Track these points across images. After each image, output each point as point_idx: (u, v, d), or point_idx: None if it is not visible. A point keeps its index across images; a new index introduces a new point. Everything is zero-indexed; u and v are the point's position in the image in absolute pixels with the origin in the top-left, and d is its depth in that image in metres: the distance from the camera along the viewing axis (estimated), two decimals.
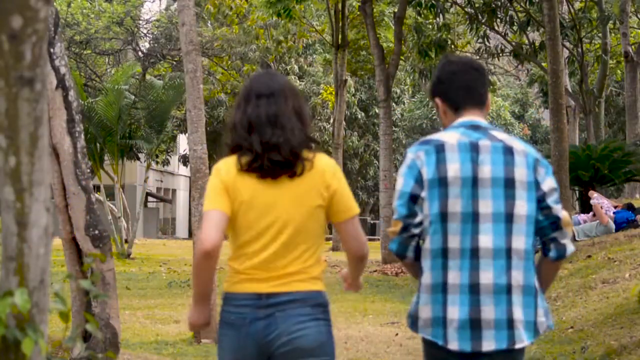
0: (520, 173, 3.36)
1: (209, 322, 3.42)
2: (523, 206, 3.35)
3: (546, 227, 3.39)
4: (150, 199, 45.72)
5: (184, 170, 50.77)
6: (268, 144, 3.28)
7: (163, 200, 49.03)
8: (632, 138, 23.06)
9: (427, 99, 42.60)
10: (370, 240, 38.42)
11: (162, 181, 50.20)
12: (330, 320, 3.41)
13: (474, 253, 3.32)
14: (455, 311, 3.31)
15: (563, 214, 3.42)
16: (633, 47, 25.03)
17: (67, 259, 6.05)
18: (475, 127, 3.42)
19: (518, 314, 3.32)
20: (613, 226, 14.31)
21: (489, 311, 3.30)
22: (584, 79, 24.91)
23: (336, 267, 18.95)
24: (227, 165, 3.35)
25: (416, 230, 3.36)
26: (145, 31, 34.87)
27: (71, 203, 5.91)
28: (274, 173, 3.29)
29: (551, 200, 3.40)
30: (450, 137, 3.39)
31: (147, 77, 27.06)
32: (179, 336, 9.26)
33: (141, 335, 9.35)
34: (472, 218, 3.33)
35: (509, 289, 3.31)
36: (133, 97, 22.02)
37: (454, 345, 3.32)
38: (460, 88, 3.47)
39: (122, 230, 22.32)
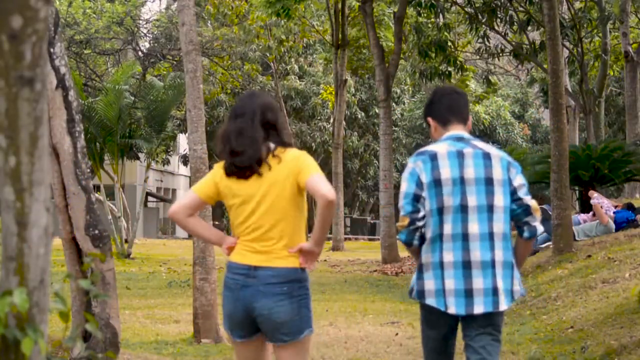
0: (497, 173, 4.29)
1: (225, 239, 4.35)
2: (500, 199, 4.27)
3: (520, 214, 4.31)
4: (150, 198, 45.72)
5: (184, 170, 50.77)
6: (234, 151, 4.20)
7: (163, 200, 49.03)
8: (632, 138, 23.05)
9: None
10: (370, 240, 38.40)
11: (162, 181, 50.20)
12: (307, 294, 4.22)
13: (465, 237, 4.22)
14: (452, 283, 4.22)
15: (532, 202, 4.33)
16: (634, 45, 25.02)
17: (67, 258, 6.04)
18: (459, 139, 4.37)
19: (500, 283, 4.23)
20: (613, 226, 14.30)
21: (478, 282, 4.21)
22: (584, 78, 24.89)
23: (336, 266, 18.96)
24: (220, 167, 4.30)
25: (420, 223, 4.26)
26: (145, 31, 34.87)
27: (71, 203, 5.91)
28: (243, 175, 4.21)
29: (521, 193, 4.31)
30: (440, 147, 4.34)
31: (148, 77, 27.04)
32: (179, 336, 9.26)
33: (141, 335, 9.34)
34: (461, 209, 4.24)
35: (493, 264, 4.22)
36: (133, 97, 22.00)
37: (452, 310, 4.23)
38: (447, 107, 4.44)
39: (122, 230, 22.32)
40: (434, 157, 4.29)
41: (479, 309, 4.20)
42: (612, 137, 32.36)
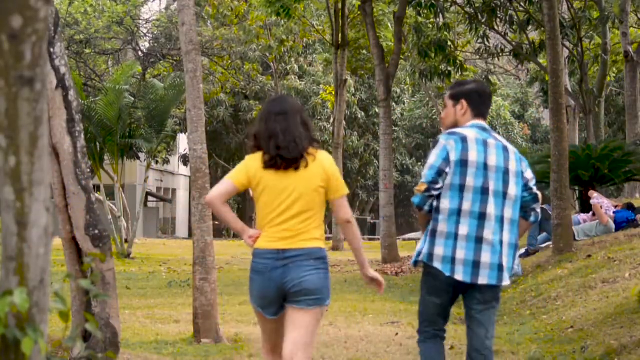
0: (513, 165, 4.91)
1: (247, 230, 4.89)
2: (513, 188, 4.90)
3: (530, 201, 4.97)
4: (150, 198, 45.71)
5: (184, 170, 50.75)
6: (280, 147, 4.77)
7: (163, 200, 49.02)
8: (632, 138, 23.03)
9: (427, 99, 42.57)
10: (370, 240, 38.38)
11: (162, 181, 50.19)
12: (328, 269, 4.84)
13: (482, 216, 4.81)
14: (462, 253, 4.78)
15: (538, 193, 5.05)
16: (634, 45, 25.00)
17: (67, 258, 6.04)
18: (484, 129, 4.96)
19: (504, 261, 4.84)
20: (613, 226, 14.30)
21: (486, 257, 4.79)
22: (584, 78, 24.87)
23: (336, 266, 18.96)
24: (255, 160, 4.85)
25: (435, 193, 4.82)
26: (145, 31, 34.87)
27: (71, 203, 5.90)
28: (284, 167, 4.79)
29: (532, 184, 4.99)
30: (469, 132, 4.90)
31: (148, 77, 27.02)
32: (179, 336, 9.25)
33: (141, 335, 9.34)
34: (482, 191, 4.82)
35: (501, 244, 4.83)
36: (133, 97, 21.99)
37: (459, 276, 4.79)
38: (485, 104, 5.06)
39: (122, 230, 22.32)
40: (464, 140, 4.85)
41: (483, 280, 4.79)
42: (612, 137, 32.34)
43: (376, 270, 19.25)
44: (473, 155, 4.81)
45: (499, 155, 4.87)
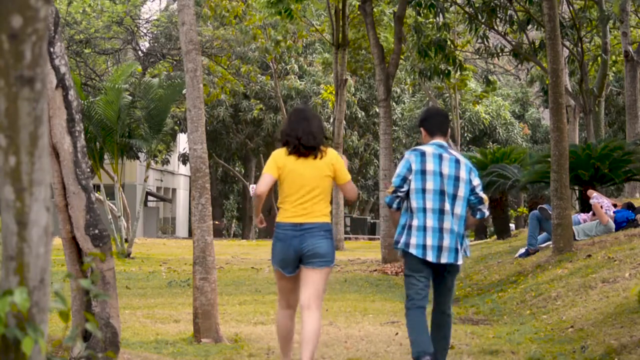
0: (462, 173, 6.43)
1: (264, 222, 6.63)
2: (462, 191, 6.41)
3: (476, 203, 6.47)
4: (150, 198, 45.72)
5: (184, 170, 50.77)
6: (300, 137, 6.36)
7: (163, 200, 49.04)
8: (632, 137, 23.01)
9: (427, 99, 42.58)
10: (370, 239, 38.38)
11: (162, 180, 50.19)
12: (333, 238, 6.51)
13: (441, 211, 6.36)
14: (430, 240, 6.33)
15: (484, 196, 6.50)
16: (634, 45, 25.00)
17: (67, 258, 6.04)
18: (440, 146, 6.50)
19: (457, 245, 6.38)
20: (613, 225, 14.29)
21: (446, 242, 6.35)
22: (584, 78, 24.87)
23: (336, 266, 18.97)
24: (280, 151, 6.44)
25: (400, 194, 6.40)
26: (145, 31, 34.87)
27: (71, 202, 5.90)
28: (304, 155, 6.36)
29: (478, 189, 6.48)
30: (428, 149, 6.48)
31: (146, 77, 26.99)
32: (179, 335, 9.25)
33: (141, 335, 9.33)
34: (440, 193, 6.37)
35: (453, 232, 6.36)
36: (131, 96, 21.97)
37: (429, 258, 6.33)
38: (436, 125, 6.59)
39: (122, 229, 22.31)
40: (423, 154, 6.43)
41: (444, 259, 6.35)
42: (612, 137, 32.34)
43: (375, 270, 19.16)
44: (430, 166, 6.37)
45: (450, 166, 6.40)
